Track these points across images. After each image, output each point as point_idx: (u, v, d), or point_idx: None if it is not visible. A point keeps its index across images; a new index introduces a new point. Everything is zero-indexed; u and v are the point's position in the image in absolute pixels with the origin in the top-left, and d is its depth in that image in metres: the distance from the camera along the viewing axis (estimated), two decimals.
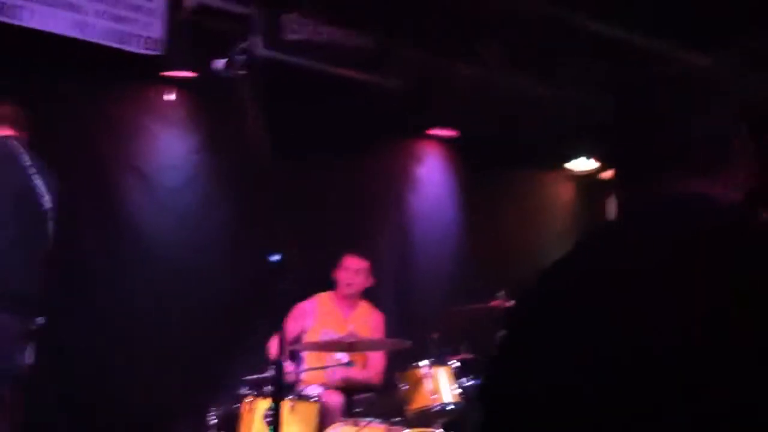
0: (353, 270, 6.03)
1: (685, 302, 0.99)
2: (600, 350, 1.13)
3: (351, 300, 6.06)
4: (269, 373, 4.74)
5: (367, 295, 6.14)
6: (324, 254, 6.00)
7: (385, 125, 6.91)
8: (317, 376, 5.71)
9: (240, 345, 5.86)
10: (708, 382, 0.91)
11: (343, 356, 5.53)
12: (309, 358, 5.79)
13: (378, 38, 6.37)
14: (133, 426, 5.80)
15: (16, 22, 5.09)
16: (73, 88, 5.70)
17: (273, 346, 5.39)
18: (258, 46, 5.46)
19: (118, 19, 5.41)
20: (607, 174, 8.19)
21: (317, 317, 5.96)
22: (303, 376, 5.68)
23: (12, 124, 4.34)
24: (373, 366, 5.93)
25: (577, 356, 1.17)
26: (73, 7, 5.27)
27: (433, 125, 7.42)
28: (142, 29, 5.47)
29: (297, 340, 5.79)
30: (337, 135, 6.52)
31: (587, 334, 1.17)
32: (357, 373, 5.76)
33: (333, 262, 6.07)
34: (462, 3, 6.17)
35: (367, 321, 6.04)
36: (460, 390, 5.26)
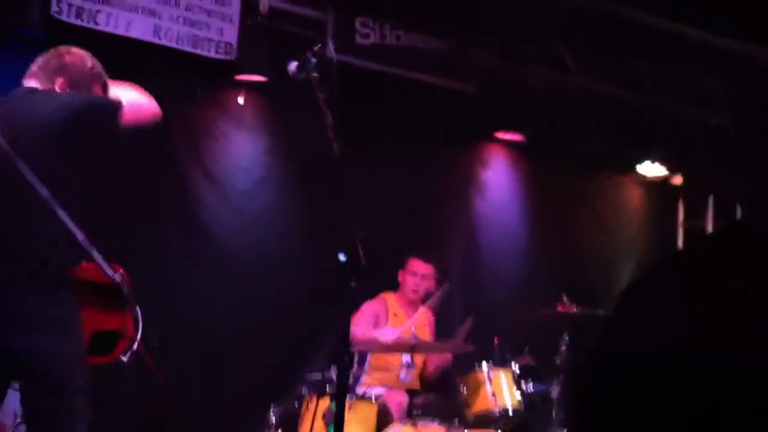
0: (420, 275, 6.04)
1: (686, 301, 1.00)
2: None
3: (414, 303, 6.08)
4: (331, 372, 4.78)
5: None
6: (390, 256, 6.02)
7: (454, 129, 6.91)
8: (379, 376, 5.75)
9: (307, 344, 5.93)
10: (708, 382, 0.92)
11: (407, 357, 5.56)
12: (372, 359, 5.83)
13: (448, 42, 6.39)
14: (200, 421, 5.91)
15: (93, 26, 5.23)
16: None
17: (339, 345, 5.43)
18: (330, 49, 5.53)
19: (193, 23, 5.52)
20: (677, 179, 8.05)
21: (388, 319, 5.99)
22: (365, 376, 5.72)
23: (46, 75, 3.44)
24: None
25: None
26: (149, 12, 5.40)
27: (501, 129, 7.39)
28: (216, 34, 5.58)
29: (366, 339, 5.82)
30: (405, 138, 6.55)
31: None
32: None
33: (399, 263, 6.10)
34: (532, 6, 6.16)
35: (425, 323, 6.07)
36: (521, 394, 5.24)
